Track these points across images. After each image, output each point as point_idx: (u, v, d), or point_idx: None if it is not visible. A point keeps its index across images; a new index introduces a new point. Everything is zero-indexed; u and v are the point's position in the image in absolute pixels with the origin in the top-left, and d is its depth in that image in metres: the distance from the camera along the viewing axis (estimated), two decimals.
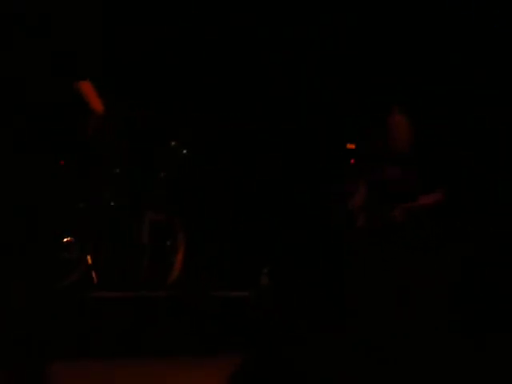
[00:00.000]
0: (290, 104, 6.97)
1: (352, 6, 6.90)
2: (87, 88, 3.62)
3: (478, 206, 6.52)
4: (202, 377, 3.86)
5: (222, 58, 6.92)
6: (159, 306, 5.92)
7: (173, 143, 6.62)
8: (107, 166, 6.30)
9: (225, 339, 5.80)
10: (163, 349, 5.61)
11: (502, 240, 6.60)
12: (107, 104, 3.79)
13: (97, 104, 3.63)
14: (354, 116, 6.85)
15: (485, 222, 6.60)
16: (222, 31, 6.85)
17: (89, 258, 5.97)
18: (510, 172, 6.53)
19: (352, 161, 6.79)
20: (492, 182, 6.60)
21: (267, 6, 6.89)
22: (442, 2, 6.73)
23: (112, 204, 6.35)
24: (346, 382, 2.33)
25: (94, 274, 5.97)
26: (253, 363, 2.42)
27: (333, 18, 6.92)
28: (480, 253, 6.47)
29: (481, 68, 6.47)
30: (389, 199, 5.76)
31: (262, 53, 6.94)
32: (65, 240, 5.81)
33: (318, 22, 6.92)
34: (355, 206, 5.77)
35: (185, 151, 6.64)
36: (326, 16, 6.92)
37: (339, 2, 6.92)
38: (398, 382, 2.39)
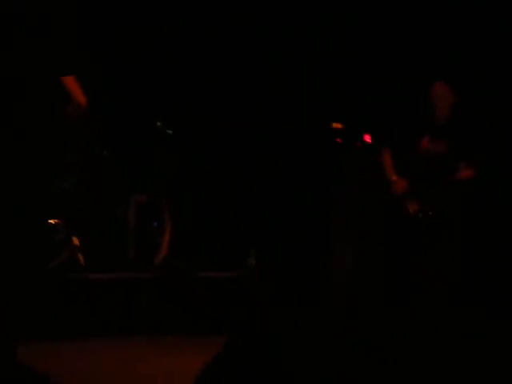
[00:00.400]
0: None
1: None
2: (70, 82, 3.79)
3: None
4: (188, 357, 3.86)
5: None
6: (146, 287, 5.94)
7: (158, 124, 6.60)
8: (93, 149, 6.31)
9: (212, 319, 5.82)
10: (150, 329, 5.64)
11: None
12: (93, 92, 3.96)
13: (80, 95, 3.85)
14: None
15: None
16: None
17: (76, 239, 5.97)
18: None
19: (338, 140, 6.73)
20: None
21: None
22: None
23: (99, 186, 6.34)
24: (330, 362, 2.33)
25: (80, 256, 5.98)
26: (239, 344, 2.42)
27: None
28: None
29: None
30: (436, 175, 5.67)
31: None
32: (51, 222, 5.81)
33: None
34: (400, 193, 5.63)
35: (171, 132, 6.61)
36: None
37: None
38: (385, 367, 2.39)
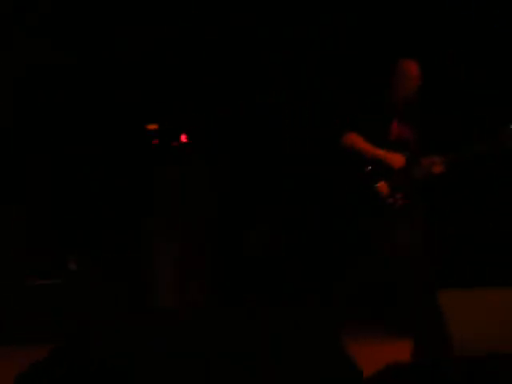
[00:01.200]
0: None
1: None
2: None
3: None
4: (7, 368, 3.74)
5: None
6: None
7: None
8: None
9: (34, 328, 5.75)
10: None
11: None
12: None
13: None
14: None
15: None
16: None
17: None
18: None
19: (156, 141, 6.56)
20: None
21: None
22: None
23: None
24: (153, 369, 2.32)
25: None
26: (60, 352, 2.39)
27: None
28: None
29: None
30: (406, 161, 5.50)
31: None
32: None
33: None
34: (398, 167, 5.45)
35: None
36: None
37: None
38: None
